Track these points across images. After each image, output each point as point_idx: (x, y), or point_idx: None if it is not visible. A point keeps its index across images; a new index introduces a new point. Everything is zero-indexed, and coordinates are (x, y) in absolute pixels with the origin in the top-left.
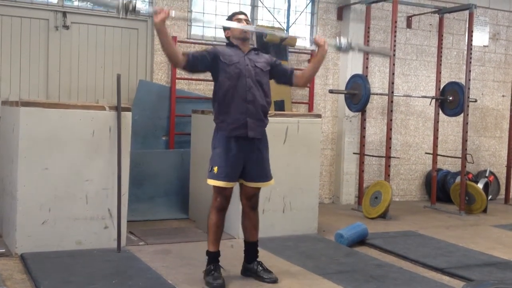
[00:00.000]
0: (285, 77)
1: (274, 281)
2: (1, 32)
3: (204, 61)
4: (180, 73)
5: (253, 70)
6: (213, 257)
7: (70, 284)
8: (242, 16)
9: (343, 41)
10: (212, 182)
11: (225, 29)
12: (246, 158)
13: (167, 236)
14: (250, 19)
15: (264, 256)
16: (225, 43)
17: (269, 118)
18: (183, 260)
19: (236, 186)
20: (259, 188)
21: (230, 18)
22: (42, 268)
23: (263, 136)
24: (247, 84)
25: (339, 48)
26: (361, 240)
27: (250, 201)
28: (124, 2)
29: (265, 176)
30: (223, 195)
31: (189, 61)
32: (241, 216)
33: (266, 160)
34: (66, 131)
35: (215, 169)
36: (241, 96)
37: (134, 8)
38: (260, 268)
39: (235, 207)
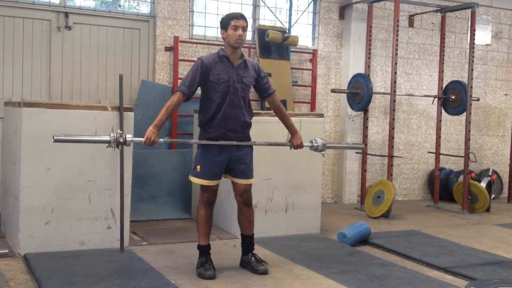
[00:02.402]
0: (261, 94)
1: (265, 272)
2: (3, 33)
3: (197, 83)
4: (182, 73)
5: (240, 87)
6: (204, 251)
7: (73, 284)
8: (239, 23)
9: (320, 142)
10: (194, 180)
11: (222, 28)
12: (229, 157)
13: (170, 236)
14: (251, 18)
15: (267, 255)
16: (221, 46)
17: (272, 117)
18: (186, 260)
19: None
20: (249, 185)
21: (227, 20)
22: (45, 268)
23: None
24: (232, 101)
25: (315, 149)
26: (364, 240)
27: (242, 198)
28: (116, 136)
29: (248, 174)
30: (209, 190)
31: (189, 95)
32: (237, 212)
33: (248, 158)
34: (69, 131)
35: (198, 167)
36: (225, 113)
37: (125, 141)
38: (253, 259)
39: (236, 206)
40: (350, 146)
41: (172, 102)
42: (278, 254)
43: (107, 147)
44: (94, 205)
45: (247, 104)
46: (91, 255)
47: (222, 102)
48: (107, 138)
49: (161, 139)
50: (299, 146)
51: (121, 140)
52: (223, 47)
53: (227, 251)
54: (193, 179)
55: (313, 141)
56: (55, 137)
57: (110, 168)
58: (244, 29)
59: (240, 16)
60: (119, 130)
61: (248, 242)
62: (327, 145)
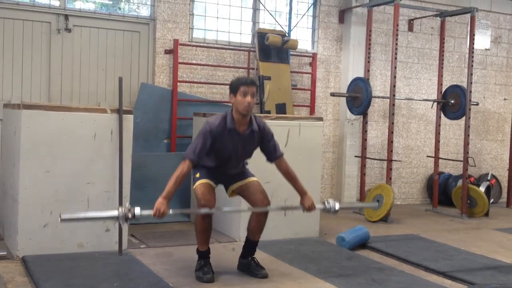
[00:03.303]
0: (268, 157)
1: (264, 276)
2: (3, 35)
3: (206, 151)
4: (181, 76)
5: (242, 154)
6: (203, 255)
7: (71, 287)
8: (249, 90)
9: (332, 204)
10: (196, 184)
11: (231, 91)
12: (225, 179)
13: (169, 239)
14: (251, 21)
15: (265, 259)
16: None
17: (271, 121)
18: (184, 263)
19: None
20: (260, 185)
21: (237, 85)
22: (43, 271)
23: None
24: (232, 164)
25: (327, 211)
26: (363, 244)
27: (263, 204)
28: (124, 211)
29: (248, 175)
30: (205, 199)
31: (196, 163)
32: (250, 218)
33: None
34: (68, 134)
35: (197, 174)
36: (224, 170)
37: (133, 215)
38: (253, 263)
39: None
40: (364, 205)
41: (182, 173)
42: (277, 257)
43: (115, 222)
44: (92, 208)
45: (245, 160)
46: (89, 257)
47: (222, 163)
48: (115, 213)
49: (171, 210)
50: (311, 207)
51: (130, 216)
52: (231, 111)
53: (226, 254)
54: (195, 185)
55: (326, 202)
56: (61, 217)
57: (109, 171)
58: (253, 95)
59: (250, 82)
60: (127, 204)
61: (251, 247)
62: (341, 206)
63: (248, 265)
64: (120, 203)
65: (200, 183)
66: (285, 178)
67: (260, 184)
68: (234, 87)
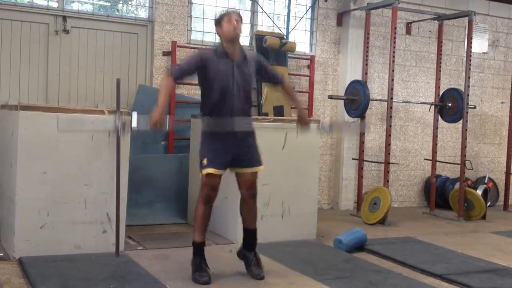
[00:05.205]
0: (274, 80)
1: (261, 278)
2: (1, 36)
3: (190, 73)
4: None
5: (241, 82)
6: (199, 249)
7: None
8: (233, 16)
9: (326, 125)
10: (203, 172)
11: (216, 25)
12: (233, 146)
13: (166, 241)
14: (249, 24)
15: (263, 261)
16: (215, 47)
17: (268, 123)
18: (181, 265)
19: (233, 180)
20: (256, 176)
21: (220, 17)
22: (40, 272)
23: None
24: (233, 98)
25: (321, 129)
26: (360, 246)
27: (250, 190)
28: (121, 123)
29: (256, 161)
30: (210, 185)
31: (177, 78)
32: (240, 205)
33: (253, 146)
34: (65, 135)
35: (204, 161)
36: (227, 109)
37: (130, 128)
38: (254, 261)
39: (233, 212)
40: (354, 129)
41: (169, 87)
42: (274, 260)
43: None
44: (90, 209)
45: (248, 97)
46: (86, 259)
47: (223, 99)
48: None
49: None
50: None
51: (126, 128)
52: (221, 43)
53: (223, 256)
54: (202, 174)
55: (320, 123)
56: (59, 127)
57: (106, 172)
58: (238, 22)
59: (233, 11)
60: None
61: (251, 237)
62: (333, 127)
63: (249, 262)
64: (118, 205)
65: (207, 174)
66: (287, 95)
67: (256, 176)
68: (218, 20)
